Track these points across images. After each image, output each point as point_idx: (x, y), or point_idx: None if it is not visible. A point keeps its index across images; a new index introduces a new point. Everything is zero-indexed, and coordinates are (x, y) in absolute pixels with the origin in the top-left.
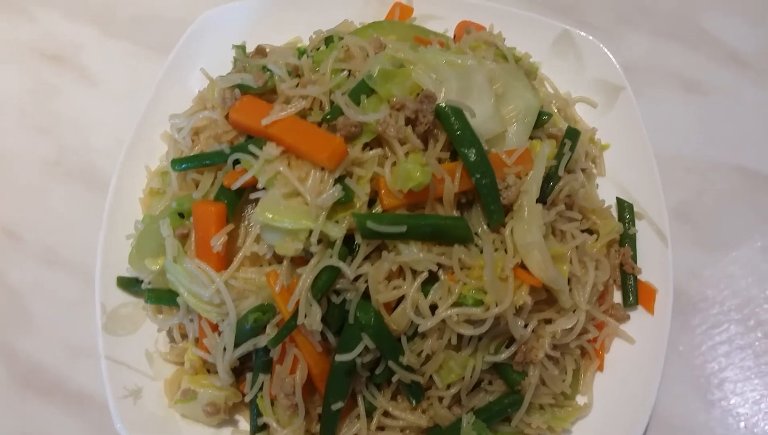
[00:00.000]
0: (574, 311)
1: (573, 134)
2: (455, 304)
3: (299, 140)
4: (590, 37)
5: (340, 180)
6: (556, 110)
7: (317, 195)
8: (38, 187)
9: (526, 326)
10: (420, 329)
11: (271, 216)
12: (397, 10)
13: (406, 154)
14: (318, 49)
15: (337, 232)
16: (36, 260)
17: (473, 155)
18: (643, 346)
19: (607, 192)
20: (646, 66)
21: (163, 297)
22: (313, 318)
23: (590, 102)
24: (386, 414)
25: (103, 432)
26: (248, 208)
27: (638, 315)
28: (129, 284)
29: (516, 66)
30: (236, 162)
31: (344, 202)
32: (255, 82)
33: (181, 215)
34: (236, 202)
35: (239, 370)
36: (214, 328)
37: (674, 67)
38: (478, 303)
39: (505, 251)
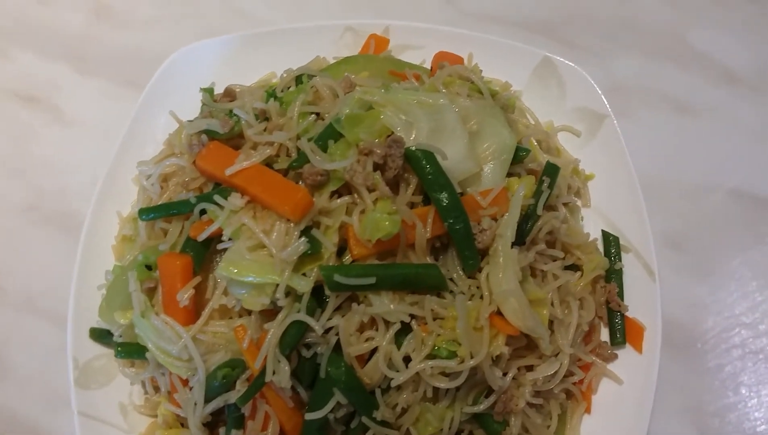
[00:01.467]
0: (556, 355)
1: (552, 170)
2: (429, 357)
3: (263, 191)
4: (572, 64)
5: (306, 231)
6: (536, 143)
7: (282, 248)
8: (14, 232)
9: (505, 375)
10: (393, 383)
11: (236, 270)
12: (372, 43)
13: (375, 201)
14: (288, 88)
15: (304, 285)
16: (13, 307)
17: (445, 199)
18: (632, 385)
19: (593, 224)
20: (635, 86)
21: (134, 351)
22: (281, 375)
23: (573, 131)
24: None
25: None
26: (216, 258)
27: (626, 353)
28: (101, 335)
29: (492, 102)
30: (203, 212)
31: (312, 253)
32: (221, 127)
33: (149, 267)
34: (203, 253)
35: (213, 423)
36: (185, 382)
37: (664, 87)
38: (452, 355)
39: (481, 298)
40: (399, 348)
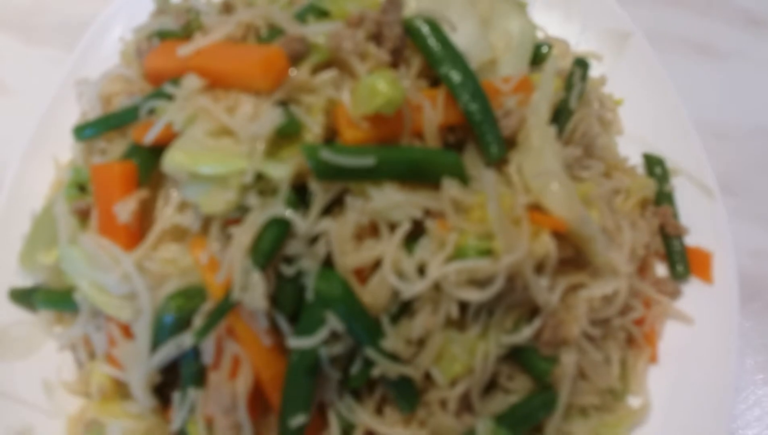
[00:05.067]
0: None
1: (582, 64)
2: (452, 260)
3: (225, 63)
4: None
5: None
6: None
7: (251, 122)
8: None
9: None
10: (405, 295)
11: (186, 158)
12: None
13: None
14: None
15: (280, 170)
16: None
17: (458, 75)
18: (707, 324)
19: (628, 152)
20: (655, 33)
21: (60, 299)
22: (254, 291)
23: (594, 55)
24: (370, 434)
25: None
26: (169, 176)
27: (693, 288)
28: (23, 297)
29: None
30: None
31: (290, 134)
32: (175, 22)
33: (83, 190)
34: (151, 163)
35: (164, 388)
36: (127, 332)
37: (685, 32)
38: (484, 253)
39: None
40: (411, 254)
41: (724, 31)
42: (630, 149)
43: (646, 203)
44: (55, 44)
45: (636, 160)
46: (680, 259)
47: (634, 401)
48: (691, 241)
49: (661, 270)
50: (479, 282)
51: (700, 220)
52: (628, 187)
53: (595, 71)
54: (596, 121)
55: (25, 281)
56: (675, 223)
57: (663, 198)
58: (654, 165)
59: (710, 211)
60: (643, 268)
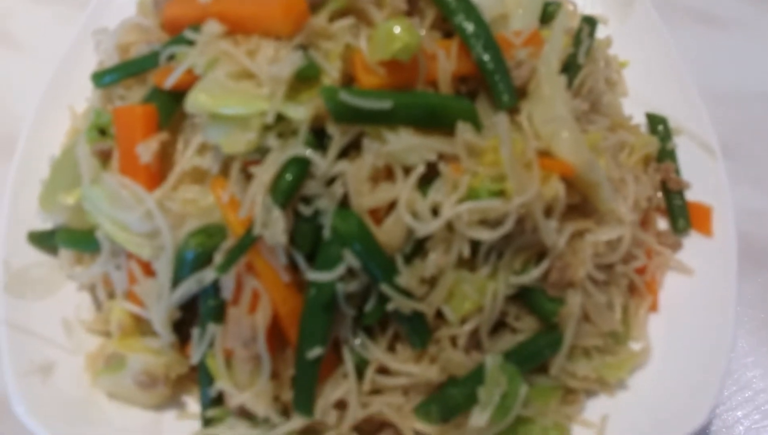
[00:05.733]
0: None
1: (590, 22)
2: (465, 201)
3: (245, 8)
4: None
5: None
6: None
7: (272, 64)
8: None
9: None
10: (419, 234)
11: (208, 99)
12: None
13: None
14: None
15: (300, 112)
16: None
17: (471, 25)
18: (705, 276)
19: (632, 112)
20: (659, 3)
21: (81, 239)
22: (274, 227)
23: (600, 18)
24: (382, 371)
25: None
26: (189, 121)
27: (693, 241)
28: (44, 239)
29: None
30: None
31: (309, 78)
32: None
33: (103, 133)
34: (172, 107)
35: (183, 326)
36: (148, 271)
37: (688, 2)
38: (496, 194)
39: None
40: (425, 197)
41: (726, 2)
42: (634, 109)
43: (649, 160)
44: (65, 2)
45: (639, 120)
46: (681, 213)
47: (635, 346)
48: (691, 196)
49: (662, 224)
50: (491, 222)
51: (700, 177)
52: (632, 144)
53: (600, 34)
54: (602, 79)
55: (44, 225)
56: (677, 179)
57: (665, 155)
58: (657, 124)
59: (711, 169)
60: (645, 222)
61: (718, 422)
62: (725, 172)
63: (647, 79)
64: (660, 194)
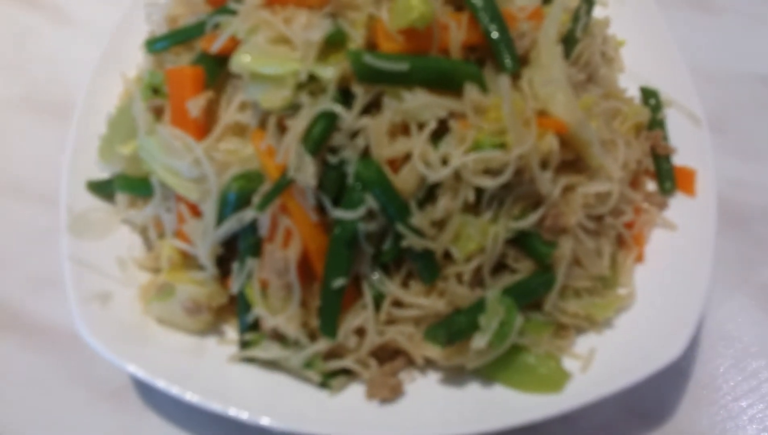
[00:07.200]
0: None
1: (588, 1)
2: (471, 151)
3: None
4: None
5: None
6: None
7: (305, 30)
8: (7, 121)
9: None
10: (431, 180)
11: (251, 59)
12: None
13: None
14: None
15: (329, 72)
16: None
17: (480, 0)
18: (687, 231)
19: (627, 86)
20: None
21: (136, 184)
22: (306, 171)
23: (600, 1)
24: (397, 304)
25: (68, 367)
26: (231, 82)
27: (678, 201)
28: (101, 188)
29: None
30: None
31: (336, 43)
32: None
33: (156, 92)
34: (216, 69)
35: (225, 261)
36: (195, 212)
37: None
38: (498, 146)
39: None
40: (436, 149)
41: None
42: (629, 84)
43: (640, 128)
44: None
45: (634, 93)
46: (668, 176)
47: (622, 291)
48: (678, 161)
49: (651, 186)
50: (493, 171)
51: (686, 144)
52: (625, 112)
53: (600, 15)
54: (599, 54)
55: (101, 175)
56: (665, 145)
57: (655, 124)
58: (649, 96)
59: (696, 136)
60: (635, 183)
61: (723, 412)
62: (710, 141)
63: (642, 57)
64: (650, 159)
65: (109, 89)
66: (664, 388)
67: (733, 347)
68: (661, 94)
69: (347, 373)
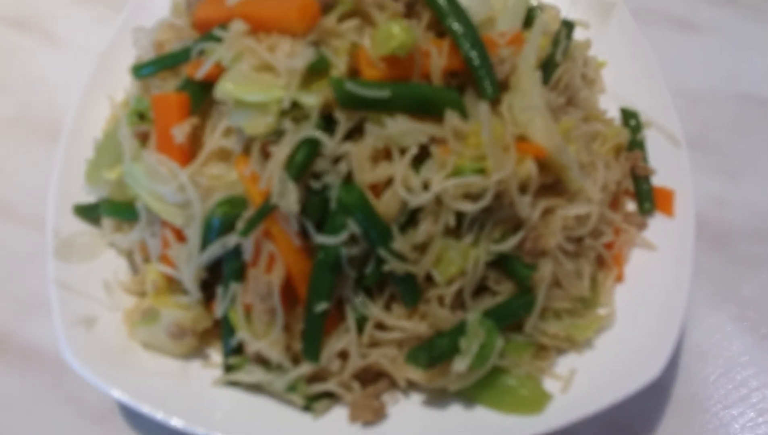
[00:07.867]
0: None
1: (568, 25)
2: (451, 177)
3: (267, 10)
4: None
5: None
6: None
7: (288, 58)
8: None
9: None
10: (412, 204)
11: (234, 87)
12: None
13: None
14: None
15: (312, 99)
16: None
17: (461, 27)
18: (666, 251)
19: (608, 107)
20: (638, 10)
21: (122, 209)
22: (289, 197)
23: (582, 23)
24: (379, 327)
25: (55, 391)
26: (216, 108)
27: (657, 221)
28: (87, 212)
29: None
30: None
31: (319, 70)
32: None
33: (142, 117)
34: (201, 96)
35: (209, 285)
36: (180, 237)
37: (667, 8)
38: (478, 172)
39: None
40: (418, 173)
41: (705, 8)
42: (610, 105)
43: (620, 150)
44: (103, 4)
45: (614, 114)
46: (647, 197)
47: (602, 311)
48: (657, 182)
49: (630, 206)
50: (473, 196)
51: (666, 164)
52: (604, 134)
53: (581, 36)
54: (579, 77)
55: (88, 199)
56: (644, 166)
57: (635, 145)
58: (629, 117)
59: (675, 157)
60: (615, 203)
61: (714, 420)
62: (689, 161)
63: (623, 78)
64: (629, 180)
65: (96, 112)
66: (648, 404)
67: (713, 364)
68: (641, 114)
69: (330, 396)
